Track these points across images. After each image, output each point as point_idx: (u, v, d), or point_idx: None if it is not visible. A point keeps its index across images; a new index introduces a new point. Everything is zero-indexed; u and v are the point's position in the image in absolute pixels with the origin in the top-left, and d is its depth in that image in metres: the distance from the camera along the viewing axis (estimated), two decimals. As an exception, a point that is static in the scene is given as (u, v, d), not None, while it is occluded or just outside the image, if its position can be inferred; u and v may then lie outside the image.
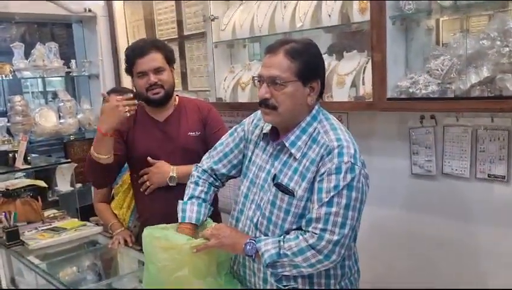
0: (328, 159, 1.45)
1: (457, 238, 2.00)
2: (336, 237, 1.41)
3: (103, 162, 2.01)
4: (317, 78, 1.51)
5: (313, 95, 1.52)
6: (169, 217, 1.73)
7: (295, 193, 1.50)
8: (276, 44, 1.51)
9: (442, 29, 2.06)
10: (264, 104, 1.51)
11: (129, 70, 2.10)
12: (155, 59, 2.04)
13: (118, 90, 2.66)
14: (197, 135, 2.15)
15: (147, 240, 1.58)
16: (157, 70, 2.05)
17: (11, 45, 3.40)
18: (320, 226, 1.43)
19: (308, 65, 1.48)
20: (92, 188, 3.75)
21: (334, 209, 1.42)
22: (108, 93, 2.55)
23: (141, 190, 2.13)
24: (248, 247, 1.51)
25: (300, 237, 1.46)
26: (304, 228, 1.48)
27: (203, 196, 1.74)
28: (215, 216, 1.96)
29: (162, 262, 1.53)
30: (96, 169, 2.05)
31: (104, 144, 1.97)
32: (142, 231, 1.68)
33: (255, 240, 1.51)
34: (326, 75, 2.18)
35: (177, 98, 2.22)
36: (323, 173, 1.45)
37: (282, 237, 1.51)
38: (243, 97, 2.67)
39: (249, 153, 1.70)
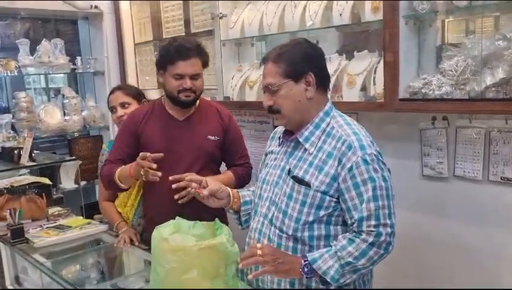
0: (351, 153, 1.49)
1: (468, 241, 1.98)
2: (389, 229, 1.48)
3: (122, 187, 2.11)
4: (307, 71, 1.55)
5: (310, 88, 1.56)
6: (175, 216, 1.69)
7: (311, 185, 1.52)
8: (267, 54, 1.63)
9: (447, 30, 2.04)
10: (269, 111, 1.62)
11: (163, 66, 2.06)
12: (195, 64, 2.03)
13: (123, 87, 2.65)
14: (215, 139, 2.13)
15: (155, 242, 1.55)
16: (194, 76, 2.04)
17: (16, 41, 3.38)
18: (373, 222, 1.47)
19: (293, 63, 1.55)
20: (96, 186, 3.75)
21: (380, 203, 1.47)
22: (114, 90, 2.54)
23: (175, 197, 1.96)
24: (306, 269, 1.48)
25: (357, 240, 1.48)
26: (355, 229, 1.49)
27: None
28: (222, 217, 1.93)
29: (170, 264, 1.50)
30: (114, 186, 2.14)
31: (129, 181, 2.04)
32: (147, 228, 1.67)
33: (308, 260, 1.49)
34: (336, 73, 2.22)
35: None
36: (351, 167, 1.48)
37: (331, 247, 1.50)
38: (251, 96, 2.64)
39: (267, 162, 1.78)
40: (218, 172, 2.21)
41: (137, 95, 2.55)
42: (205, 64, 2.09)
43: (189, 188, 1.76)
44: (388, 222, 1.49)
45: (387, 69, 1.94)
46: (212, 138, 2.13)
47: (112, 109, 2.49)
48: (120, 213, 2.44)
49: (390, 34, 1.90)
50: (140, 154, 1.89)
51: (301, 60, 1.56)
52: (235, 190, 1.84)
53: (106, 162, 2.21)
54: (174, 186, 1.83)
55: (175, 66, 2.01)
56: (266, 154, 1.83)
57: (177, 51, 2.01)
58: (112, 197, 2.51)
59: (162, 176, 1.88)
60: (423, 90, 1.87)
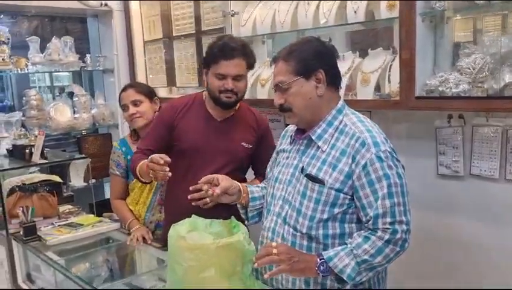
0: (364, 150, 1.49)
1: (485, 241, 1.96)
2: (405, 226, 1.47)
3: (143, 181, 2.07)
4: (317, 68, 1.55)
5: (321, 85, 1.56)
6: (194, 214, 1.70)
7: (325, 182, 1.52)
8: (278, 53, 1.64)
9: (454, 28, 2.02)
10: (281, 109, 1.62)
11: (207, 64, 2.03)
12: (239, 65, 1.97)
13: (134, 85, 2.64)
14: (249, 147, 2.11)
15: (172, 240, 1.55)
16: (237, 77, 1.98)
17: (27, 39, 3.38)
18: (389, 220, 1.46)
19: (303, 60, 1.55)
20: (105, 184, 3.75)
21: (395, 200, 1.47)
22: (125, 87, 2.53)
23: (193, 204, 1.85)
24: (322, 268, 1.47)
25: (373, 237, 1.47)
26: (370, 227, 1.48)
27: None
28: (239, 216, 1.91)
29: (188, 262, 1.50)
30: (137, 178, 2.10)
31: (148, 177, 1.94)
32: (166, 225, 1.65)
33: (324, 258, 1.48)
34: (350, 71, 2.20)
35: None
36: (365, 165, 1.47)
37: (346, 245, 1.50)
38: (263, 94, 2.63)
39: (279, 160, 1.77)
40: (244, 179, 2.16)
41: (149, 93, 2.54)
42: (250, 66, 2.04)
43: (203, 191, 1.72)
44: (404, 219, 1.48)
45: (403, 67, 1.92)
46: (246, 145, 2.10)
47: (124, 107, 2.48)
48: (132, 211, 2.44)
49: (407, 32, 1.88)
50: (152, 157, 1.83)
51: (311, 57, 1.56)
52: (245, 184, 1.84)
53: (137, 149, 2.16)
54: (189, 196, 1.78)
55: (218, 66, 1.96)
56: (277, 153, 1.82)
57: (220, 50, 1.96)
58: (123, 195, 2.51)
59: (187, 175, 1.84)
60: (440, 88, 1.85)
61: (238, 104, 2.13)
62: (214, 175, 1.74)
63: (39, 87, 5.41)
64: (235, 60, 1.95)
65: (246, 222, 1.81)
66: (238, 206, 1.81)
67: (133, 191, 2.46)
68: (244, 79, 2.02)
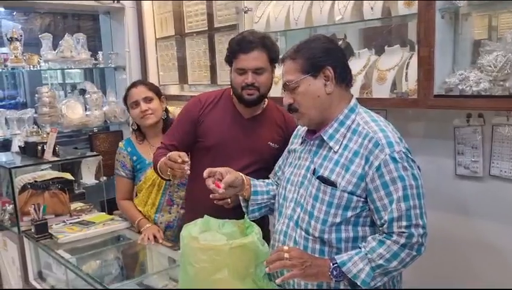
0: (378, 150, 1.45)
1: (504, 243, 1.90)
2: (421, 229, 1.43)
3: (164, 179, 2.02)
4: (325, 65, 1.52)
5: (329, 82, 1.53)
6: (218, 214, 1.66)
7: (338, 185, 1.48)
8: (285, 53, 1.61)
9: (474, 25, 1.97)
10: (289, 109, 1.59)
11: (229, 61, 1.98)
12: (258, 58, 1.90)
13: (144, 82, 2.62)
14: (275, 147, 2.04)
15: (185, 241, 1.52)
16: (257, 71, 1.91)
17: (39, 36, 3.38)
18: (404, 223, 1.42)
19: (310, 57, 1.52)
20: (115, 183, 3.73)
21: (411, 203, 1.43)
22: (135, 84, 2.50)
23: (218, 203, 1.80)
24: (335, 272, 1.44)
25: (388, 241, 1.43)
26: (385, 230, 1.44)
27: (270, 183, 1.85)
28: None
29: (201, 263, 1.47)
30: (158, 175, 2.03)
31: (167, 175, 1.88)
32: (187, 222, 1.63)
33: (337, 263, 1.44)
34: (366, 68, 2.16)
35: (266, 100, 2.09)
36: (379, 166, 1.43)
37: (360, 249, 1.46)
38: (275, 92, 2.57)
39: (290, 160, 1.74)
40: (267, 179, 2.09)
41: (159, 91, 2.52)
42: (272, 59, 1.94)
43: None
44: (420, 222, 1.44)
45: (422, 64, 1.86)
46: (272, 144, 2.04)
47: (134, 104, 2.42)
48: (140, 211, 2.41)
49: (426, 28, 1.83)
50: (170, 155, 1.77)
51: (319, 55, 1.53)
52: (248, 177, 1.79)
53: (161, 144, 2.09)
54: (211, 196, 1.70)
55: (237, 60, 1.92)
56: (289, 152, 1.78)
57: (238, 44, 1.92)
58: (129, 196, 2.48)
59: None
60: (460, 87, 1.80)
61: (266, 102, 2.08)
62: (217, 169, 1.68)
63: (51, 84, 5.44)
64: (253, 52, 1.89)
65: (246, 216, 1.74)
66: (240, 198, 1.77)
67: (141, 192, 2.42)
68: (265, 72, 1.94)
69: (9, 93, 5.25)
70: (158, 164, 1.93)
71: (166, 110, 2.51)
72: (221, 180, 1.65)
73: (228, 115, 2.04)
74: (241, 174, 1.74)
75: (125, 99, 2.50)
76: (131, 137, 2.52)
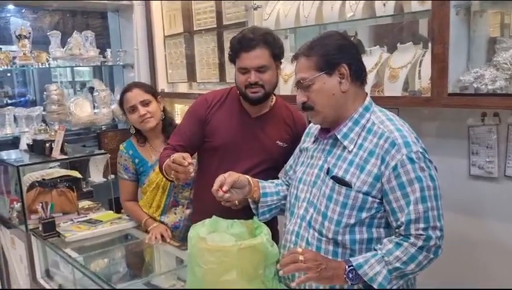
0: (395, 150, 1.41)
1: (519, 246, 1.86)
2: (439, 232, 1.41)
3: (169, 180, 1.94)
4: (340, 62, 1.48)
5: (345, 80, 1.49)
6: (226, 215, 1.64)
7: (352, 185, 1.45)
8: (298, 50, 1.57)
9: (489, 22, 1.91)
10: (303, 108, 1.55)
11: (232, 61, 1.94)
12: (260, 56, 1.85)
13: (139, 84, 2.47)
14: (284, 146, 2.00)
15: (192, 241, 1.49)
16: (260, 69, 1.86)
17: (48, 33, 3.37)
18: (422, 225, 1.39)
19: (325, 54, 1.48)
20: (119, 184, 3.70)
21: (429, 204, 1.39)
22: (130, 87, 2.37)
23: (226, 205, 1.75)
24: (350, 275, 1.40)
25: (405, 244, 1.40)
26: (402, 233, 1.41)
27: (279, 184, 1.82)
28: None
29: (208, 265, 1.44)
30: (164, 176, 1.97)
31: (170, 177, 1.84)
32: (193, 222, 1.60)
33: (352, 265, 1.41)
34: (377, 66, 2.12)
35: (274, 97, 2.04)
36: (396, 166, 1.39)
37: (376, 252, 1.43)
38: (286, 90, 2.55)
39: (302, 159, 1.70)
40: (276, 179, 2.02)
41: (155, 92, 2.45)
42: (276, 55, 1.89)
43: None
44: (438, 224, 1.41)
45: (435, 62, 1.82)
46: (281, 144, 1.99)
47: (131, 109, 2.31)
48: (145, 212, 2.38)
49: (440, 25, 1.79)
50: (174, 157, 1.71)
51: (333, 52, 1.49)
52: (255, 179, 1.75)
53: (167, 145, 2.04)
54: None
55: (239, 59, 1.87)
56: (301, 151, 1.75)
57: (239, 42, 1.87)
58: (134, 197, 2.44)
59: (218, 173, 1.69)
60: (475, 85, 1.75)
61: (274, 100, 2.04)
62: (220, 177, 1.63)
63: (61, 82, 5.44)
64: (255, 50, 1.84)
65: (256, 217, 1.72)
66: (249, 200, 1.74)
67: (145, 194, 2.38)
68: (269, 70, 1.88)
69: (20, 91, 5.26)
70: (164, 165, 1.88)
71: (165, 110, 2.42)
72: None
73: (235, 114, 2.00)
74: (246, 176, 1.70)
75: (121, 104, 2.40)
76: (132, 139, 2.43)
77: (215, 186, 1.60)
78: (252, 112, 2.00)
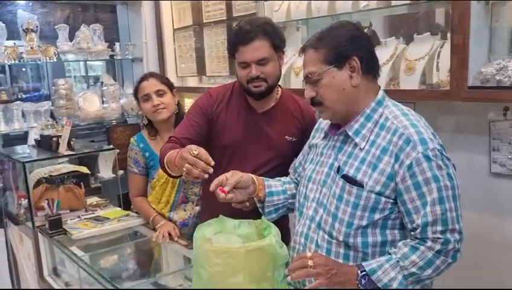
0: (410, 148, 1.32)
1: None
2: (458, 235, 1.33)
3: (171, 175, 1.82)
4: (351, 55, 1.39)
5: (355, 74, 1.40)
6: (235, 215, 1.57)
7: (364, 185, 1.37)
8: (307, 41, 1.48)
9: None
10: (312, 103, 1.47)
11: (232, 55, 1.86)
12: (260, 48, 1.76)
13: (156, 74, 2.48)
14: (293, 140, 1.93)
15: (198, 242, 1.43)
16: (261, 62, 1.78)
17: (55, 27, 3.34)
18: (440, 228, 1.31)
19: (334, 47, 1.40)
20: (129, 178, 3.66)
21: (447, 205, 1.31)
22: (146, 76, 2.38)
23: (236, 206, 1.68)
24: (363, 281, 1.33)
25: (422, 247, 1.32)
26: (418, 235, 1.33)
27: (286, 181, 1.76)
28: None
29: (214, 267, 1.37)
30: (165, 171, 1.83)
31: (176, 170, 1.71)
32: (202, 220, 1.53)
33: (365, 270, 1.33)
34: (393, 58, 2.03)
35: (279, 90, 1.96)
36: (411, 165, 1.31)
37: (390, 256, 1.35)
38: (297, 83, 2.47)
39: (311, 156, 1.63)
40: (287, 175, 1.94)
41: (171, 84, 2.41)
42: (277, 46, 1.80)
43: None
44: (456, 226, 1.33)
45: (455, 53, 1.73)
46: (289, 138, 1.92)
47: (145, 98, 2.31)
48: (154, 208, 2.34)
49: (460, 15, 1.69)
50: (200, 153, 1.51)
51: (344, 44, 1.40)
52: (261, 177, 1.68)
53: (170, 138, 1.89)
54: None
55: (238, 54, 1.80)
56: (310, 147, 1.67)
57: (236, 36, 1.80)
58: (143, 192, 2.41)
59: (226, 171, 1.62)
60: (497, 77, 1.65)
61: (280, 93, 1.96)
62: (221, 176, 1.56)
63: (74, 77, 5.44)
64: (254, 42, 1.75)
65: (263, 217, 1.64)
66: (255, 199, 1.66)
67: (154, 189, 2.34)
68: (270, 61, 1.80)
69: (34, 86, 5.27)
70: (166, 158, 1.73)
71: (179, 104, 2.40)
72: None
73: (241, 112, 1.92)
74: (250, 175, 1.63)
75: (135, 93, 2.40)
76: (143, 132, 2.42)
77: (213, 185, 1.53)
78: (258, 107, 1.93)
